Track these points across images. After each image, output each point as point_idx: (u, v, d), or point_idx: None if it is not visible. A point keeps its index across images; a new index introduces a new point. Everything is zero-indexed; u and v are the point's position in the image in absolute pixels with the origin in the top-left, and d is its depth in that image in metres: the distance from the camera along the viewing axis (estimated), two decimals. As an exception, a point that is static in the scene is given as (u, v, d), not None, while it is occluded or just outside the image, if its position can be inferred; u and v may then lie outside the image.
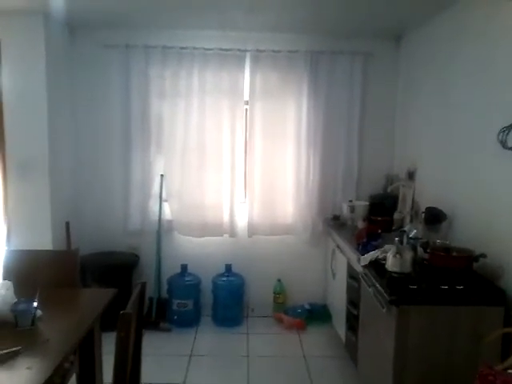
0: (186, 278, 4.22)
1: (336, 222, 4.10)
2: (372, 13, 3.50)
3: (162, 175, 4.24)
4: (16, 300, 2.09)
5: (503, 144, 2.46)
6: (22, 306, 2.05)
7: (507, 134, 2.43)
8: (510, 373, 1.92)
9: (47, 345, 1.92)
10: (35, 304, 2.05)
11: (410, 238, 2.91)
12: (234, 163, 4.26)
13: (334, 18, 3.70)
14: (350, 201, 4.11)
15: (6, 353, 1.78)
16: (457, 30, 3.14)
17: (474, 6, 2.92)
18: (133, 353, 2.05)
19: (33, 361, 1.77)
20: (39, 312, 2.10)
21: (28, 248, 3.01)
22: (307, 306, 4.32)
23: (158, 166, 4.27)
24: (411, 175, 3.85)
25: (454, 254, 2.66)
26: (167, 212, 4.33)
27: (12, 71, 3.61)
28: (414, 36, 3.93)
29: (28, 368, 1.71)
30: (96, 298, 2.48)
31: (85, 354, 2.41)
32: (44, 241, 3.69)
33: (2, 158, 3.68)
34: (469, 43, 2.98)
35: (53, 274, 2.64)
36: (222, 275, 4.28)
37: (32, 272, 2.60)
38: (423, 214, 3.28)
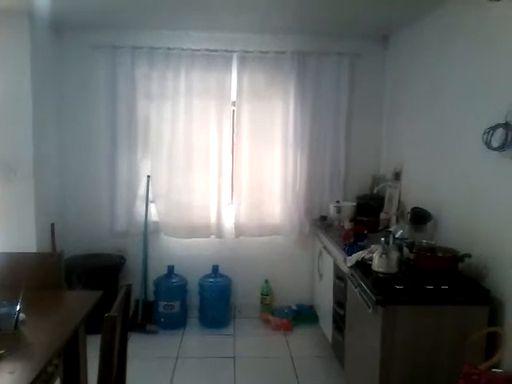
0: (173, 280, 4.19)
1: (323, 223, 4.11)
2: (359, 13, 3.51)
3: (148, 176, 4.22)
4: (-2, 303, 2.06)
5: (488, 145, 2.48)
6: (4, 310, 2.02)
7: (492, 134, 2.45)
8: (494, 372, 1.94)
9: (30, 348, 1.89)
10: (18, 307, 2.02)
11: (396, 238, 2.92)
12: (221, 164, 4.25)
13: (320, 19, 3.71)
14: (337, 201, 4.12)
15: (-12, 357, 1.76)
16: (444, 30, 3.17)
17: (461, 6, 2.94)
18: (118, 355, 2.04)
19: (16, 365, 1.74)
20: (22, 315, 2.06)
21: (12, 250, 2.97)
22: (294, 307, 4.32)
23: (145, 167, 4.25)
24: (397, 176, 3.87)
25: (440, 254, 2.68)
26: (154, 213, 4.30)
27: (-4, 72, 3.57)
28: (402, 36, 3.96)
29: (11, 372, 1.68)
30: (81, 300, 2.45)
31: (69, 358, 2.38)
32: (28, 243, 3.65)
33: (-15, 159, 3.63)
34: (456, 44, 3.01)
35: (37, 276, 2.60)
36: (208, 276, 4.27)
37: (15, 275, 2.55)
38: (409, 215, 3.30)
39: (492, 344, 2.36)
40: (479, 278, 2.55)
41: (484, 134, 2.50)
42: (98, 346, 1.78)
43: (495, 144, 2.43)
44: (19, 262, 2.66)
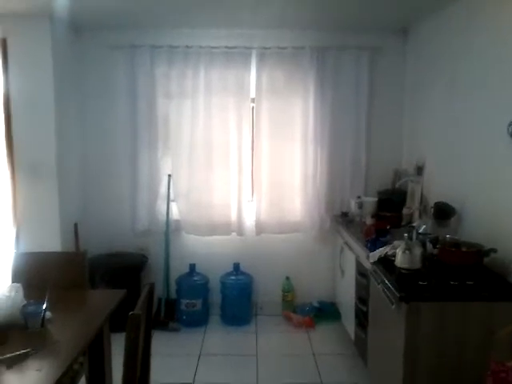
0: (195, 278, 4.22)
1: (344, 219, 4.08)
2: (378, 5, 3.46)
3: (169, 175, 4.24)
4: (25, 302, 2.10)
5: (512, 137, 2.43)
6: (31, 308, 2.06)
7: (516, 127, 2.40)
8: (522, 369, 1.90)
9: (57, 346, 1.92)
10: (44, 306, 2.06)
11: (419, 233, 2.89)
12: (241, 161, 4.25)
13: (339, 12, 3.66)
14: (358, 197, 4.09)
15: (16, 355, 1.79)
16: (465, 21, 3.11)
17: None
18: (142, 353, 2.06)
19: (42, 363, 1.78)
20: (48, 314, 2.10)
21: (37, 250, 3.02)
22: (316, 304, 4.31)
23: (166, 166, 4.27)
24: (419, 170, 3.82)
25: (464, 249, 2.64)
26: (175, 212, 4.33)
27: (19, 74, 3.64)
28: (422, 29, 3.90)
29: (38, 370, 1.72)
30: (105, 299, 2.48)
31: (94, 356, 2.41)
32: (53, 243, 3.70)
33: (10, 161, 3.70)
34: (478, 36, 2.95)
35: (62, 275, 2.65)
36: (230, 274, 4.28)
37: (41, 274, 2.61)
38: (432, 209, 3.26)
39: (520, 341, 2.32)
40: (505, 273, 2.50)
41: (509, 125, 2.45)
42: (122, 343, 1.80)
43: (520, 136, 2.38)
44: (45, 262, 2.71)
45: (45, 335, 2.01)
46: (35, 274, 2.61)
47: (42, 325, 2.05)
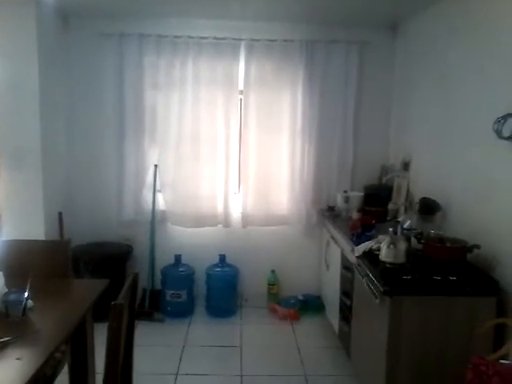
0: (180, 269, 4.20)
1: (330, 213, 4.09)
2: (368, 1, 3.46)
3: (155, 165, 4.22)
4: (7, 290, 2.07)
5: (498, 134, 2.45)
6: (12, 297, 2.03)
7: (503, 123, 2.42)
8: (502, 363, 1.92)
9: (38, 335, 1.90)
10: (26, 294, 2.03)
11: (404, 228, 2.91)
12: (229, 153, 4.23)
13: (329, 6, 3.66)
14: (345, 191, 4.10)
15: (-4, 343, 1.77)
16: (454, 18, 3.12)
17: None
18: (125, 343, 2.04)
19: (23, 351, 1.75)
20: (30, 302, 2.07)
21: (20, 238, 2.99)
22: (301, 297, 4.33)
23: (152, 156, 4.24)
24: (406, 166, 3.84)
25: (448, 244, 2.66)
26: (161, 202, 4.31)
27: (3, 60, 3.56)
28: (411, 24, 3.90)
29: (18, 358, 1.69)
30: (88, 288, 2.46)
31: (77, 345, 2.40)
32: (37, 231, 3.66)
33: (-7, 148, 3.64)
34: (466, 32, 2.96)
35: (45, 264, 2.61)
36: (215, 266, 4.27)
37: (23, 262, 2.57)
38: (417, 205, 3.28)
39: (500, 335, 2.35)
40: (488, 268, 2.53)
41: (495, 123, 2.47)
42: (105, 333, 1.78)
43: (506, 133, 2.39)
44: (27, 250, 2.68)
45: (26, 324, 1.98)
46: (17, 262, 2.56)
47: (24, 313, 2.02)
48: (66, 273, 2.68)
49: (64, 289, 2.52)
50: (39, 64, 3.61)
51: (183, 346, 3.63)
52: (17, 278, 2.21)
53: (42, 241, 3.40)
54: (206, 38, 4.07)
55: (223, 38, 4.08)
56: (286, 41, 4.12)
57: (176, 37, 4.05)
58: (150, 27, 4.04)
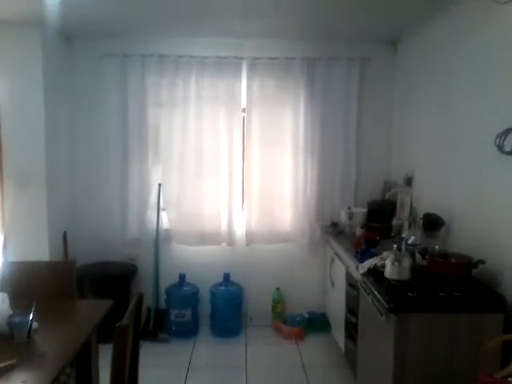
0: (184, 288, 4.19)
1: (334, 229, 4.09)
2: (368, 18, 3.52)
3: (159, 184, 4.23)
4: (11, 313, 2.07)
5: (500, 149, 2.45)
6: (17, 319, 2.03)
7: (504, 138, 2.42)
8: (510, 380, 1.90)
9: (43, 357, 1.90)
10: (31, 316, 2.03)
11: (409, 244, 2.90)
12: (232, 171, 4.25)
13: (330, 24, 3.71)
14: (348, 208, 4.10)
15: (1, 366, 1.76)
16: (453, 33, 3.15)
17: (470, 9, 2.92)
18: (130, 364, 2.03)
19: (28, 374, 1.75)
20: (35, 324, 2.07)
21: (25, 259, 3.00)
22: (306, 315, 4.29)
23: (156, 175, 4.26)
24: (409, 181, 3.84)
25: (453, 260, 2.64)
26: (165, 221, 4.31)
27: (9, 81, 3.62)
28: (411, 41, 3.94)
29: (23, 382, 1.69)
30: (93, 309, 2.46)
31: (81, 367, 2.38)
32: (41, 251, 3.67)
33: (-2, 168, 3.67)
34: (465, 47, 2.99)
35: (49, 285, 2.62)
36: (220, 284, 4.26)
37: (28, 283, 2.58)
38: (421, 220, 3.27)
39: (508, 352, 2.32)
40: (494, 284, 2.51)
41: (496, 138, 2.48)
42: (110, 354, 1.78)
43: (508, 148, 2.40)
44: (32, 271, 2.68)
45: (31, 346, 1.98)
46: (22, 284, 2.57)
47: (29, 336, 2.02)
48: (70, 293, 2.68)
49: (69, 310, 2.52)
50: (44, 85, 3.66)
51: (188, 367, 3.60)
52: (22, 299, 2.22)
53: (47, 262, 3.40)
54: (208, 57, 4.12)
55: (225, 57, 4.13)
56: (287, 58, 4.16)
57: (178, 56, 4.10)
58: (152, 47, 4.10)
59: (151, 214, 4.25)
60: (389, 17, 3.49)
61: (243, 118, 4.26)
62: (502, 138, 2.44)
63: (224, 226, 4.30)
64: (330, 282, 4.03)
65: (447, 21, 3.24)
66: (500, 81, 2.58)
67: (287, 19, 3.58)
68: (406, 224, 3.69)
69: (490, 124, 2.61)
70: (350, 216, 4.00)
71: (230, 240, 4.31)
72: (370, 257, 2.94)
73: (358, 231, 3.70)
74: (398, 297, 2.37)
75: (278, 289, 4.37)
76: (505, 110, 2.49)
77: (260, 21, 3.61)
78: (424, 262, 2.73)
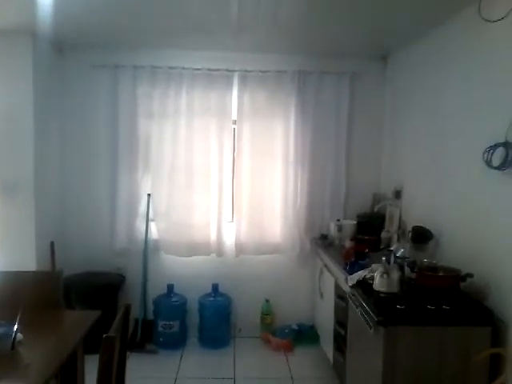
0: (172, 299, 4.16)
1: (324, 242, 4.09)
2: (358, 34, 3.56)
3: (149, 194, 4.22)
4: (-4, 323, 2.04)
5: (488, 163, 2.48)
6: (1, 330, 2.00)
7: (492, 153, 2.46)
8: (498, 394, 1.91)
9: (27, 370, 1.87)
10: (16, 327, 2.00)
11: (397, 257, 2.91)
12: (222, 182, 4.25)
13: (321, 39, 3.74)
14: (338, 220, 4.11)
15: (-15, 378, 1.73)
16: (443, 49, 3.20)
17: (457, 27, 2.98)
18: (117, 375, 2.01)
19: (12, 386, 1.72)
20: (20, 335, 2.04)
21: (12, 268, 2.96)
22: (295, 327, 4.28)
23: (146, 185, 4.24)
24: (398, 194, 3.87)
25: (441, 273, 2.66)
26: (154, 231, 4.29)
27: (-1, 90, 3.60)
28: (401, 56, 3.99)
29: (7, 394, 1.66)
30: (79, 320, 2.43)
31: (67, 378, 2.35)
32: (28, 261, 3.63)
33: (-14, 177, 3.64)
34: (455, 64, 3.03)
35: (36, 295, 2.59)
36: (208, 295, 4.23)
37: (14, 294, 2.55)
38: (410, 233, 3.29)
39: (496, 365, 2.33)
40: (482, 297, 2.53)
41: (484, 152, 2.51)
42: (96, 365, 1.76)
43: (496, 163, 2.43)
44: (17, 281, 2.66)
45: (15, 357, 1.95)
46: (8, 294, 2.54)
47: (13, 347, 1.99)
48: (57, 304, 2.65)
49: (55, 321, 2.49)
50: (34, 95, 3.64)
51: (175, 379, 3.56)
52: (7, 309, 2.19)
53: (33, 272, 3.36)
54: (199, 69, 4.13)
55: (217, 69, 4.14)
56: (278, 71, 4.19)
57: (170, 68, 4.11)
58: (144, 58, 4.10)
59: (140, 224, 4.22)
60: (378, 33, 3.54)
61: (234, 129, 4.27)
62: (490, 152, 2.47)
63: (213, 237, 4.28)
64: (319, 293, 4.03)
65: (437, 37, 3.29)
66: (488, 96, 2.62)
67: (279, 34, 3.60)
68: (395, 237, 3.70)
69: (478, 139, 2.64)
70: (340, 228, 4.01)
71: (220, 251, 4.29)
72: (359, 269, 2.95)
73: (348, 243, 3.71)
74: (386, 309, 2.38)
75: (267, 300, 4.35)
76: (492, 125, 2.52)
77: (252, 36, 3.64)
78: (413, 275, 2.74)
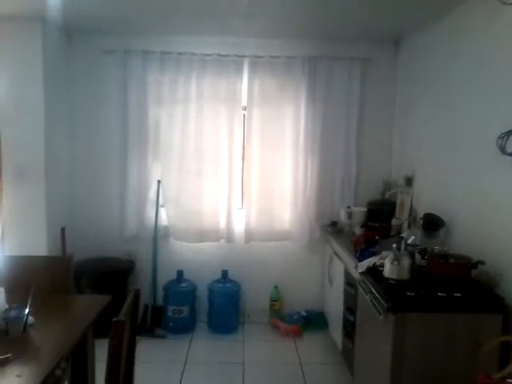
0: (182, 285, 4.18)
1: (334, 229, 4.08)
2: (370, 18, 3.51)
3: (158, 181, 4.22)
4: (7, 307, 2.06)
5: (502, 150, 2.44)
6: (13, 313, 2.01)
7: (506, 139, 2.41)
8: (508, 382, 1.89)
9: (38, 352, 1.89)
10: (27, 311, 2.02)
11: (408, 244, 2.88)
12: (232, 169, 4.24)
13: (331, 23, 3.69)
14: (348, 207, 4.09)
15: (-4, 360, 1.75)
16: (456, 34, 3.14)
17: (472, 11, 2.91)
18: (126, 360, 2.02)
19: (23, 368, 1.74)
20: (31, 319, 2.06)
21: (23, 253, 2.98)
22: (304, 313, 4.29)
23: (155, 172, 4.25)
24: (409, 181, 3.83)
25: (452, 260, 2.64)
26: (164, 218, 4.30)
27: (9, 76, 3.60)
28: (413, 41, 3.93)
29: (18, 376, 1.68)
30: (90, 304, 2.45)
31: (77, 361, 2.37)
32: (39, 246, 3.65)
33: (-3, 163, 3.66)
34: (468, 49, 2.98)
35: (46, 280, 2.59)
36: (218, 281, 4.25)
37: (25, 278, 2.55)
38: (421, 221, 3.26)
39: (506, 353, 2.31)
40: (493, 285, 2.51)
41: (498, 139, 2.46)
42: (106, 349, 1.77)
43: (510, 149, 2.39)
44: (29, 265, 2.66)
45: (26, 341, 1.97)
46: (19, 279, 2.55)
47: (24, 330, 2.00)
48: (67, 289, 2.66)
49: (65, 305, 2.51)
50: (44, 80, 3.64)
51: (185, 363, 3.59)
52: (18, 293, 2.20)
53: (44, 256, 3.38)
54: (209, 54, 4.10)
55: (226, 55, 4.11)
56: (288, 57, 4.15)
57: (180, 53, 4.09)
58: (153, 44, 4.08)
59: (150, 211, 4.24)
60: (391, 17, 3.47)
61: (244, 116, 4.24)
62: (505, 138, 2.43)
63: (223, 224, 4.29)
64: (329, 280, 4.03)
65: (451, 21, 3.22)
66: (502, 82, 2.57)
67: (289, 19, 3.57)
68: (406, 224, 3.68)
69: (491, 125, 2.60)
70: (350, 215, 3.99)
71: (229, 237, 4.30)
72: (369, 256, 2.93)
73: (358, 230, 3.70)
74: (396, 296, 2.37)
75: (276, 287, 4.36)
76: (507, 111, 2.48)
77: (262, 20, 3.60)
78: (423, 262, 2.72)
